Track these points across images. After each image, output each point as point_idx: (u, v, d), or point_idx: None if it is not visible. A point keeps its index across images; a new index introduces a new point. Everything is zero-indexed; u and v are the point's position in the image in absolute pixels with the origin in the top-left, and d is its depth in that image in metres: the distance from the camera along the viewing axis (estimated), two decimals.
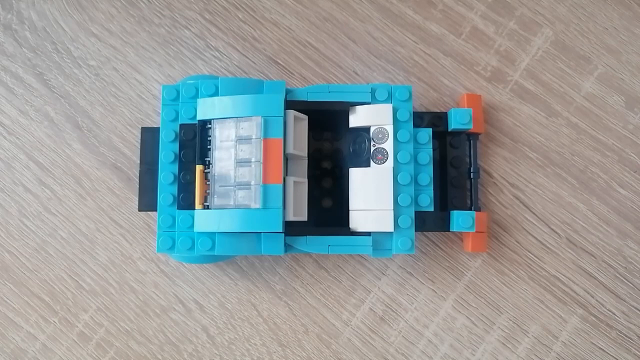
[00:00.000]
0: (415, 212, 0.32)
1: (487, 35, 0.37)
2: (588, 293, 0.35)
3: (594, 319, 0.34)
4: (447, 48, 0.37)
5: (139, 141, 0.34)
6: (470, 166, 0.34)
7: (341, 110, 0.33)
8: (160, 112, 0.32)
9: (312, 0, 0.37)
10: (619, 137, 0.36)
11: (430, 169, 0.32)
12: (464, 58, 0.37)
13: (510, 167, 0.36)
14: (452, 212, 0.33)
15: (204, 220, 0.30)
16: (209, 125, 0.31)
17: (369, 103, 0.32)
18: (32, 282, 0.35)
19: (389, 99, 0.32)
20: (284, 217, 0.30)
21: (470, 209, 0.34)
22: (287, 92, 0.32)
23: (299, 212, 0.31)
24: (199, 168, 0.31)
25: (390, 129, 0.32)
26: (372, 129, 0.32)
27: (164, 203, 0.32)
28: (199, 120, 0.31)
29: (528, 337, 0.34)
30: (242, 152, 0.30)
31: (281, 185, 0.30)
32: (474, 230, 0.33)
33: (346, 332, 0.34)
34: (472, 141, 0.35)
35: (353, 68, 0.36)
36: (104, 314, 0.35)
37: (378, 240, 0.31)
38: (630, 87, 0.36)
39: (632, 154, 0.36)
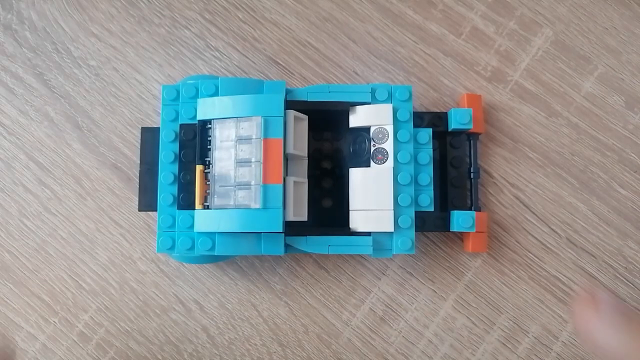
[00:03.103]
0: (415, 212, 0.32)
1: (487, 35, 0.37)
2: None
3: None
4: (447, 48, 0.37)
5: (139, 141, 0.34)
6: (470, 166, 0.34)
7: (341, 110, 0.33)
8: (160, 112, 0.32)
9: (312, 0, 0.37)
10: (619, 137, 0.36)
11: (430, 169, 0.32)
12: (464, 58, 0.37)
13: (510, 167, 0.36)
14: (452, 212, 0.33)
15: (204, 220, 0.30)
16: (209, 125, 0.31)
17: (369, 103, 0.32)
18: (32, 282, 0.35)
19: (389, 99, 0.32)
20: (284, 217, 0.30)
21: (471, 209, 0.34)
22: (287, 92, 0.32)
23: (299, 212, 0.31)
24: (199, 168, 0.31)
25: (390, 129, 0.32)
26: (372, 129, 0.32)
27: (164, 203, 0.31)
28: (199, 120, 0.31)
29: (528, 337, 0.34)
30: (242, 152, 0.30)
31: (281, 185, 0.30)
32: (474, 230, 0.33)
33: (346, 332, 0.34)
34: (472, 141, 0.35)
35: (353, 68, 0.36)
36: (104, 314, 0.35)
37: (378, 240, 0.31)
38: (630, 87, 0.36)
39: (632, 154, 0.36)
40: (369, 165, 0.32)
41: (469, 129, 0.33)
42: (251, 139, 0.30)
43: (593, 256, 0.35)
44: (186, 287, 0.35)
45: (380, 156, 0.32)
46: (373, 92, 0.32)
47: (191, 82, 0.32)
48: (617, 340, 0.21)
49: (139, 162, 0.34)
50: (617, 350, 0.21)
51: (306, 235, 0.31)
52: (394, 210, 0.31)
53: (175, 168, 0.32)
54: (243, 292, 0.35)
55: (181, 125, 0.32)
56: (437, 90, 0.36)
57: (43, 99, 0.36)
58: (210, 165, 0.31)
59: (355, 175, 0.32)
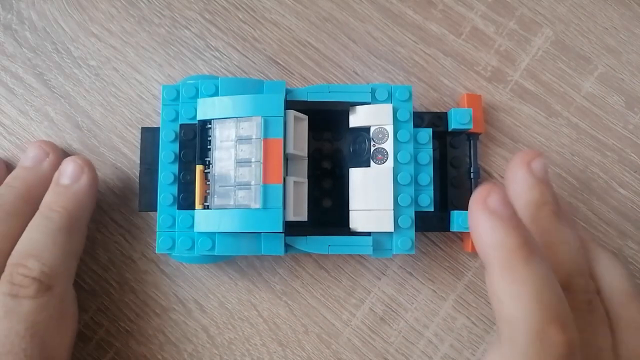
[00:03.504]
0: (415, 212, 0.32)
1: (487, 35, 0.37)
2: None
3: None
4: (447, 48, 0.37)
5: (139, 141, 0.34)
6: (470, 166, 0.34)
7: (341, 110, 0.33)
8: (160, 112, 0.32)
9: (312, 0, 0.37)
10: (619, 137, 0.36)
11: (430, 169, 0.32)
12: (464, 58, 0.37)
13: None
14: (452, 212, 0.33)
15: (204, 220, 0.30)
16: (209, 125, 0.31)
17: (369, 103, 0.32)
18: None
19: (389, 99, 0.32)
20: (284, 217, 0.30)
21: None
22: (287, 92, 0.32)
23: (299, 212, 0.31)
24: (199, 168, 0.31)
25: (390, 129, 0.32)
26: (372, 129, 0.32)
27: (164, 203, 0.32)
28: (199, 120, 0.31)
29: None
30: (242, 152, 0.30)
31: (281, 185, 0.30)
32: None
33: (346, 332, 0.35)
34: (472, 141, 0.35)
35: (353, 68, 0.36)
36: (104, 314, 0.34)
37: (378, 240, 0.31)
38: (630, 87, 0.36)
39: (632, 154, 0.36)
40: (369, 165, 0.32)
41: (469, 129, 0.33)
42: (251, 139, 0.30)
43: None
44: (186, 287, 0.35)
45: (380, 156, 0.32)
46: (373, 92, 0.32)
47: (191, 82, 0.32)
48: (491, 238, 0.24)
49: (139, 162, 0.34)
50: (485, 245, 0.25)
51: (306, 235, 0.31)
52: (394, 210, 0.31)
53: (175, 168, 0.32)
54: (243, 292, 0.35)
55: (181, 125, 0.32)
56: (437, 90, 0.36)
57: (43, 99, 0.36)
58: (210, 165, 0.31)
59: (355, 175, 0.32)
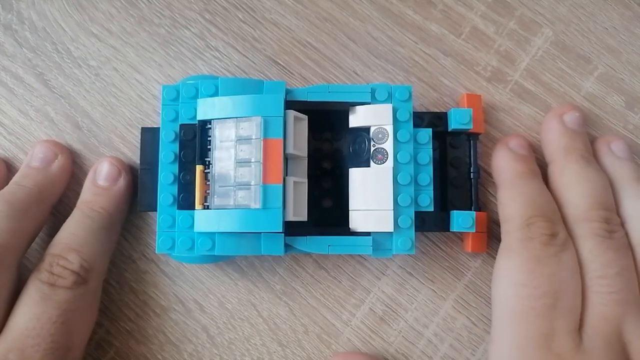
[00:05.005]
0: (415, 212, 0.32)
1: (487, 35, 0.37)
2: None
3: None
4: (447, 48, 0.37)
5: (139, 141, 0.34)
6: (470, 166, 0.34)
7: (341, 110, 0.33)
8: (160, 112, 0.32)
9: (312, 0, 0.37)
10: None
11: (430, 169, 0.32)
12: (464, 58, 0.37)
13: None
14: (452, 212, 0.33)
15: (204, 220, 0.30)
16: (209, 126, 0.31)
17: (368, 103, 0.32)
18: None
19: (388, 99, 0.32)
20: (283, 217, 0.30)
21: (471, 209, 0.34)
22: (287, 92, 0.32)
23: (299, 212, 0.31)
24: (198, 168, 0.31)
25: (390, 129, 0.32)
26: (372, 129, 0.32)
27: (164, 203, 0.32)
28: (199, 121, 0.31)
29: None
30: (242, 152, 0.30)
31: (281, 185, 0.30)
32: (474, 231, 0.33)
33: (346, 332, 0.35)
34: (472, 141, 0.35)
35: (353, 68, 0.36)
36: (104, 314, 0.35)
37: (378, 240, 0.31)
38: (630, 87, 0.36)
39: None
40: (368, 165, 0.32)
41: (469, 129, 0.33)
42: (251, 139, 0.30)
43: None
44: (186, 287, 0.35)
45: (380, 156, 0.32)
46: (373, 92, 0.32)
47: (191, 82, 0.32)
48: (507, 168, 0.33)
49: (139, 162, 0.34)
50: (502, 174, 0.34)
51: (306, 235, 0.31)
52: (393, 210, 0.31)
53: (175, 168, 0.32)
54: (243, 292, 0.35)
55: (181, 126, 0.32)
56: (437, 90, 0.36)
57: (43, 99, 0.36)
58: (210, 165, 0.31)
59: (355, 175, 0.32)
